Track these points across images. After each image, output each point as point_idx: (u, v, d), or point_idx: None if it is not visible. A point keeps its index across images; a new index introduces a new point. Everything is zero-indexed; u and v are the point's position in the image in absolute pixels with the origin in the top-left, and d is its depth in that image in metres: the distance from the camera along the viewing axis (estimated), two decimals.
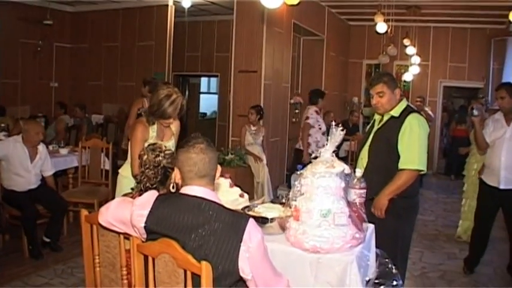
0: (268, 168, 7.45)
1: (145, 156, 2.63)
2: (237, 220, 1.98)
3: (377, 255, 2.90)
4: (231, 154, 7.27)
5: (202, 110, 14.78)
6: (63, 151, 6.27)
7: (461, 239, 6.11)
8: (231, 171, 6.99)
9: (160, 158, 2.61)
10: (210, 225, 1.94)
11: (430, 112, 9.82)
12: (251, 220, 2.00)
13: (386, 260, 2.81)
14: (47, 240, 5.19)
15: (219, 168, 2.17)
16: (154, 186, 2.56)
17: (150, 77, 7.59)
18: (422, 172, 3.37)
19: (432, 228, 6.77)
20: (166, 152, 2.64)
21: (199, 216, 1.97)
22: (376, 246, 3.00)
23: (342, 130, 2.78)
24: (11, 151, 5.02)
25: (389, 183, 3.37)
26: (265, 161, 7.34)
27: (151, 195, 2.15)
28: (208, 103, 14.61)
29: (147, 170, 2.61)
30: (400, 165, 3.34)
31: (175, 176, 2.14)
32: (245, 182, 7.17)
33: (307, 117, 7.34)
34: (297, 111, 10.38)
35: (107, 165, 6.11)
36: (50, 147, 6.27)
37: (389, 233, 3.32)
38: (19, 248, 5.02)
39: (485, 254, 5.39)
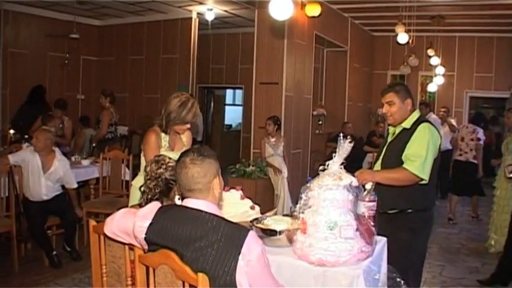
0: (290, 180, 7.43)
1: (148, 168, 2.67)
2: (236, 233, 1.98)
3: None
4: (252, 166, 7.30)
5: (227, 121, 14.86)
6: (85, 162, 6.37)
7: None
8: (252, 183, 7.03)
9: (161, 170, 2.62)
10: (208, 238, 1.95)
11: (454, 123, 9.66)
12: (251, 233, 2.00)
13: (394, 274, 2.77)
14: (68, 249, 5.32)
15: (216, 181, 2.14)
16: (156, 197, 2.58)
17: (109, 89, 7.78)
18: (423, 182, 3.25)
19: (455, 242, 6.64)
20: (169, 164, 2.65)
21: (198, 228, 1.98)
22: (388, 261, 2.96)
23: (350, 142, 2.76)
24: (27, 159, 5.18)
25: (388, 170, 3.36)
26: (286, 173, 7.32)
27: (153, 207, 2.18)
28: (233, 115, 14.69)
29: (148, 182, 2.64)
30: (405, 164, 3.25)
31: (178, 188, 2.17)
32: (266, 194, 7.19)
33: (479, 139, 7.60)
34: (320, 122, 10.37)
35: (127, 176, 6.19)
36: (73, 159, 6.40)
37: (402, 248, 3.26)
38: (40, 257, 5.15)
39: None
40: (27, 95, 8.34)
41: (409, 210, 3.34)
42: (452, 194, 8.03)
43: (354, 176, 2.80)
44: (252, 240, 1.97)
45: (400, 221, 3.34)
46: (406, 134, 3.36)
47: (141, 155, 3.70)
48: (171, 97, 3.60)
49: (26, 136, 6.41)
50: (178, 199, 2.39)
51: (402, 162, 3.28)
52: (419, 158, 3.20)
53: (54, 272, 4.93)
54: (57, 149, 5.43)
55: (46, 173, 5.18)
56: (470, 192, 7.90)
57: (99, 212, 5.82)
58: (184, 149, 3.74)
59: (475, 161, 7.68)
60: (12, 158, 5.21)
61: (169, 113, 3.55)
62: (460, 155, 7.95)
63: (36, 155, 5.18)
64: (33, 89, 8.46)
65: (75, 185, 5.47)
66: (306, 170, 8.75)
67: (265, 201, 6.95)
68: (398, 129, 3.50)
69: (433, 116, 9.48)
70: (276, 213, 3.42)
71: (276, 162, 7.33)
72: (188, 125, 3.63)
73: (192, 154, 2.12)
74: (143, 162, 3.64)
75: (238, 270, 1.91)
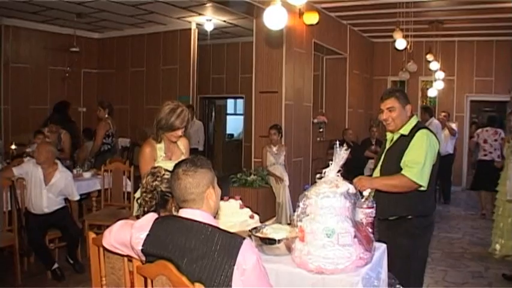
0: (291, 188, 7.44)
1: (144, 180, 2.69)
2: (231, 242, 1.99)
3: None
4: (253, 175, 7.30)
5: (229, 131, 14.90)
6: (87, 174, 6.40)
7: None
8: (253, 192, 7.04)
9: (157, 182, 2.64)
10: (203, 248, 1.96)
11: (454, 127, 9.67)
12: (246, 241, 2.01)
13: (394, 280, 2.78)
14: (71, 261, 5.34)
15: (210, 191, 2.14)
16: (153, 209, 2.60)
17: (106, 101, 7.86)
18: (421, 188, 3.24)
19: (458, 246, 6.61)
20: (164, 176, 2.66)
21: (193, 238, 2.00)
22: (388, 267, 2.96)
23: (346, 150, 2.78)
24: (30, 171, 5.23)
25: (386, 177, 3.36)
26: (287, 182, 7.32)
27: (150, 218, 2.19)
28: (235, 124, 14.74)
29: (144, 194, 2.66)
30: (403, 170, 3.24)
31: (174, 200, 2.19)
32: (267, 203, 7.19)
33: (503, 139, 7.92)
34: (321, 130, 10.37)
35: (129, 187, 6.20)
36: (74, 171, 6.42)
37: (402, 254, 3.26)
38: (42, 270, 5.16)
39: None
40: (52, 111, 8.37)
41: (409, 217, 3.34)
42: (479, 190, 8.63)
43: (351, 183, 2.81)
44: (247, 249, 1.98)
45: (400, 227, 3.34)
46: (404, 141, 3.35)
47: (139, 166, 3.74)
48: (163, 105, 3.66)
49: (28, 150, 6.46)
50: (175, 211, 2.41)
51: (401, 169, 3.27)
52: (417, 165, 3.19)
53: (57, 285, 4.95)
54: (59, 162, 5.45)
55: (47, 185, 5.20)
56: (489, 187, 7.87)
57: (101, 224, 5.82)
58: (182, 157, 3.78)
59: (499, 160, 8.08)
60: (16, 171, 5.28)
61: (160, 120, 3.64)
62: (485, 155, 8.50)
63: (38, 167, 5.22)
64: (56, 105, 8.49)
65: (77, 197, 5.49)
66: (307, 178, 8.74)
67: (267, 209, 6.95)
68: (396, 136, 3.48)
69: (435, 121, 9.47)
70: (278, 222, 3.44)
71: (277, 171, 7.33)
72: (179, 132, 3.66)
73: (184, 165, 2.14)
74: None
75: (234, 279, 1.92)
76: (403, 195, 3.29)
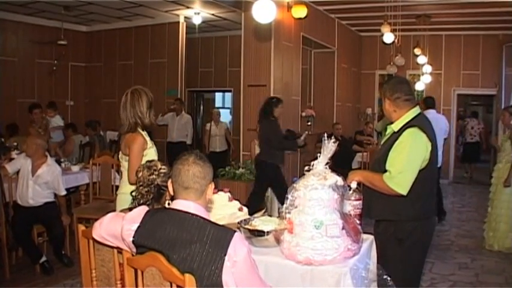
0: None
1: (140, 174, 2.70)
2: (222, 234, 2.01)
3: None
4: (242, 168, 7.32)
5: None
6: (75, 168, 6.38)
7: (494, 248, 6.09)
8: (242, 185, 7.06)
9: (154, 176, 2.67)
10: (194, 240, 1.98)
11: None
12: (237, 234, 2.03)
13: (381, 271, 2.81)
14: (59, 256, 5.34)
15: (211, 186, 2.19)
16: (148, 203, 2.62)
17: None
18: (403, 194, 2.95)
19: (445, 239, 6.69)
20: (161, 170, 2.70)
21: (184, 230, 2.02)
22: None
23: (334, 142, 2.80)
24: (21, 163, 5.26)
25: (372, 173, 3.14)
26: None
27: (141, 210, 2.21)
28: (223, 118, 14.65)
29: (141, 188, 2.67)
30: (384, 176, 2.97)
31: (169, 190, 2.21)
32: None
33: (483, 127, 12.85)
34: (309, 123, 10.38)
35: (117, 181, 6.17)
36: (62, 165, 6.39)
37: (390, 258, 3.04)
38: (31, 264, 5.13)
39: (497, 263, 5.48)
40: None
41: (395, 219, 3.09)
42: (469, 162, 12.91)
43: (339, 175, 2.78)
44: (238, 242, 2.01)
45: (387, 230, 3.13)
46: (393, 138, 3.08)
47: (122, 160, 3.72)
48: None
49: (15, 144, 6.43)
50: (169, 204, 2.43)
51: (385, 169, 3.02)
52: (398, 174, 2.93)
53: (45, 278, 4.94)
54: (49, 156, 5.42)
55: (34, 176, 5.16)
56: (474, 160, 12.79)
57: (90, 217, 5.79)
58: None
59: (479, 140, 12.58)
60: (10, 168, 5.31)
61: (139, 112, 3.67)
62: (472, 138, 12.69)
63: (28, 159, 5.23)
64: None
65: (63, 193, 5.42)
66: (295, 171, 8.77)
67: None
68: (389, 131, 3.24)
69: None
70: (266, 214, 3.46)
71: None
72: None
73: (194, 155, 2.16)
74: (125, 169, 3.64)
75: (224, 271, 1.95)
76: (390, 197, 3.02)
